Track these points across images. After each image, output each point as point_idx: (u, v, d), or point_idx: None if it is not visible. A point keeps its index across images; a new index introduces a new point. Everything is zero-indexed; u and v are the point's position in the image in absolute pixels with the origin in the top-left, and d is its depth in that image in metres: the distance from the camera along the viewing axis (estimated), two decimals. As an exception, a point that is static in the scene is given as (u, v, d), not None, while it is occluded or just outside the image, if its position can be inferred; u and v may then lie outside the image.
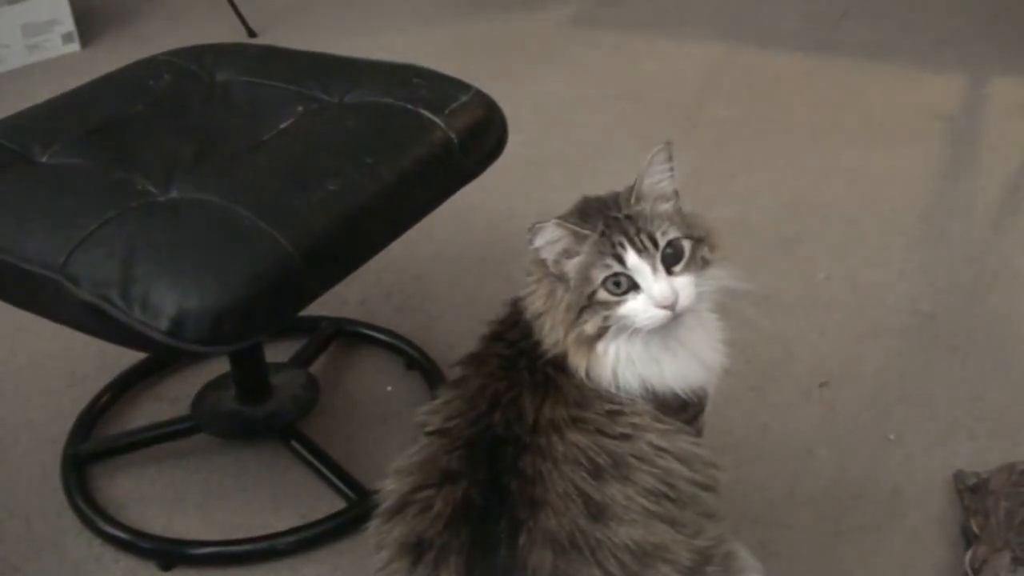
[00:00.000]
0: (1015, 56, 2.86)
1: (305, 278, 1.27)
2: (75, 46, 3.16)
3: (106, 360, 1.85)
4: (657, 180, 1.10)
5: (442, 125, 1.47)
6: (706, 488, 1.11)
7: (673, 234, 1.08)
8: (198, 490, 1.65)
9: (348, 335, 1.93)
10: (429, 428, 1.11)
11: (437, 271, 2.12)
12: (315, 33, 3.14)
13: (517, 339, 1.13)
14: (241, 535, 1.56)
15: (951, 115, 2.63)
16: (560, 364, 1.10)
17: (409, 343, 1.89)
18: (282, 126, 1.48)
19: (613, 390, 1.09)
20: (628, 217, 1.08)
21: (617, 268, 1.06)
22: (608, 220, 1.08)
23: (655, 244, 1.07)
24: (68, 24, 3.14)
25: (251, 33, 3.15)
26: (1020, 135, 2.50)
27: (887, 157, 2.45)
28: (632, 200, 1.10)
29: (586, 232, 1.07)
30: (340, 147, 1.43)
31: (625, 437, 1.07)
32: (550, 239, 1.08)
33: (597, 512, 1.02)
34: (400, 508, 1.07)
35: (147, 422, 1.76)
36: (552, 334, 1.09)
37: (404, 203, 1.41)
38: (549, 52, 3.04)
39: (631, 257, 1.06)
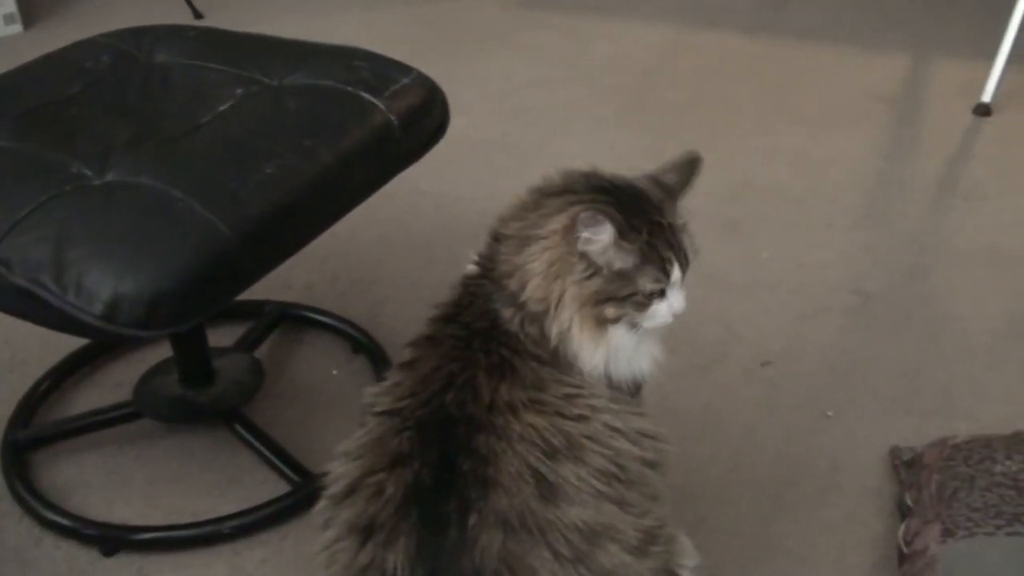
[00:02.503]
0: (957, 38, 2.90)
1: (243, 261, 1.27)
2: (17, 27, 3.11)
3: (47, 345, 1.84)
4: (689, 193, 1.15)
5: (382, 107, 1.47)
6: (653, 465, 1.13)
7: (692, 252, 1.13)
8: (141, 475, 1.64)
9: (293, 319, 1.92)
10: (378, 408, 1.11)
11: (383, 254, 2.11)
12: (262, 14, 3.12)
13: (471, 320, 1.13)
14: (185, 520, 1.55)
15: (894, 96, 2.67)
16: (516, 345, 1.10)
17: (355, 327, 1.88)
18: (221, 109, 1.47)
19: (586, 368, 1.10)
20: (671, 227, 1.11)
21: (664, 284, 1.10)
22: (653, 227, 1.10)
23: (687, 263, 1.12)
24: (10, 5, 3.10)
25: (197, 15, 3.12)
26: (961, 116, 2.54)
27: (830, 138, 2.48)
28: (675, 210, 1.13)
29: (633, 245, 1.08)
30: (279, 130, 1.42)
31: (582, 418, 1.08)
32: (600, 238, 1.07)
33: (549, 493, 1.03)
34: (350, 492, 1.07)
35: (89, 408, 1.75)
36: (537, 291, 1.09)
37: (343, 186, 1.41)
38: (498, 33, 3.04)
39: (675, 273, 1.11)
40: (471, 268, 1.17)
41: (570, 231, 1.08)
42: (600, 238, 1.07)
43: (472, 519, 1.02)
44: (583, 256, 1.08)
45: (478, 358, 1.10)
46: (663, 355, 1.18)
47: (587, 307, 1.09)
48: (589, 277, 1.08)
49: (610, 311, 1.09)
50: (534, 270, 1.10)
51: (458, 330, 1.13)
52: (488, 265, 1.14)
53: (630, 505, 1.08)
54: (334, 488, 1.09)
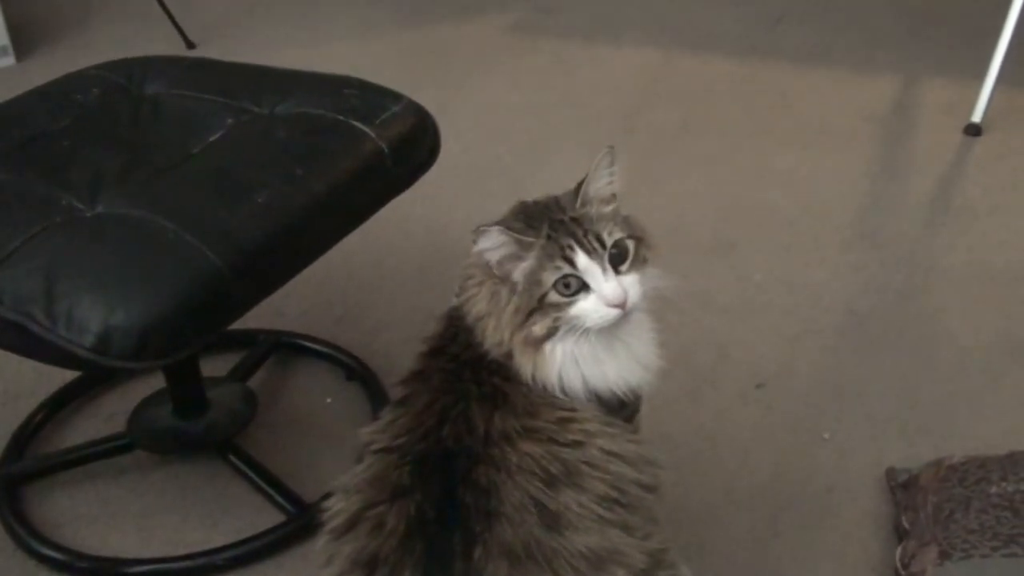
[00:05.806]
0: (945, 58, 2.92)
1: (233, 291, 1.27)
2: (10, 60, 3.12)
3: (40, 378, 1.83)
4: (602, 184, 1.12)
5: (373, 136, 1.48)
6: (650, 489, 1.12)
7: (618, 234, 1.09)
8: (135, 507, 1.63)
9: (287, 347, 1.92)
10: (376, 446, 1.10)
11: (377, 281, 2.11)
12: (255, 44, 3.13)
13: (459, 352, 1.12)
14: (179, 552, 1.54)
15: (884, 117, 2.68)
16: (506, 373, 1.10)
17: (349, 354, 1.88)
18: (211, 139, 1.48)
19: (558, 392, 1.09)
20: (574, 220, 1.09)
21: (568, 270, 1.07)
22: (553, 223, 1.09)
23: (603, 245, 1.08)
24: (2, 37, 3.10)
25: (189, 44, 3.13)
26: (951, 136, 2.55)
27: (821, 159, 2.49)
28: (578, 204, 1.11)
29: (530, 239, 1.08)
30: (270, 159, 1.43)
31: (577, 444, 1.07)
32: (494, 244, 1.08)
33: (552, 521, 1.02)
34: (352, 525, 1.06)
35: (82, 440, 1.74)
36: (495, 335, 1.09)
37: (335, 215, 1.41)
38: (489, 60, 3.05)
39: (581, 259, 1.07)
40: (455, 300, 1.16)
41: (480, 259, 1.08)
42: (493, 243, 1.07)
43: (477, 551, 1.01)
44: (502, 279, 1.08)
45: (470, 389, 1.09)
46: (656, 360, 1.16)
47: (518, 333, 1.08)
48: (510, 298, 1.08)
49: (538, 327, 1.08)
50: (482, 311, 1.10)
51: (447, 363, 1.13)
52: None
53: (634, 529, 1.07)
54: (333, 523, 1.08)
